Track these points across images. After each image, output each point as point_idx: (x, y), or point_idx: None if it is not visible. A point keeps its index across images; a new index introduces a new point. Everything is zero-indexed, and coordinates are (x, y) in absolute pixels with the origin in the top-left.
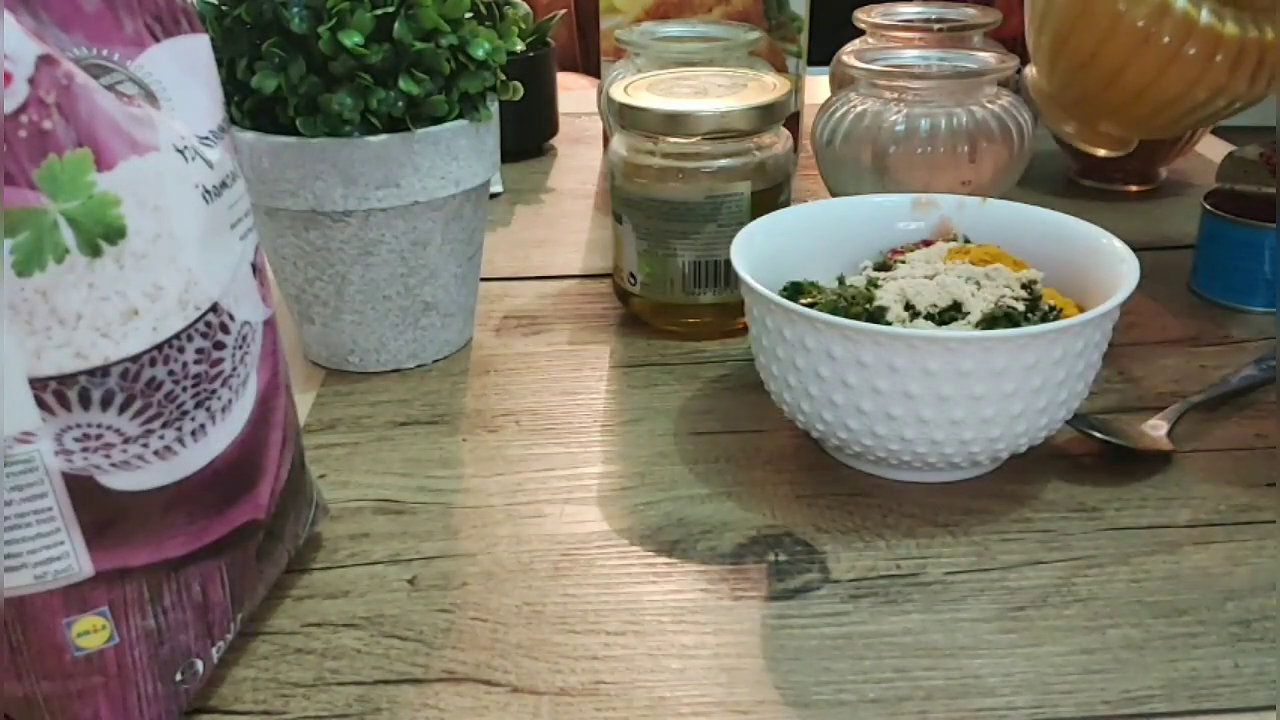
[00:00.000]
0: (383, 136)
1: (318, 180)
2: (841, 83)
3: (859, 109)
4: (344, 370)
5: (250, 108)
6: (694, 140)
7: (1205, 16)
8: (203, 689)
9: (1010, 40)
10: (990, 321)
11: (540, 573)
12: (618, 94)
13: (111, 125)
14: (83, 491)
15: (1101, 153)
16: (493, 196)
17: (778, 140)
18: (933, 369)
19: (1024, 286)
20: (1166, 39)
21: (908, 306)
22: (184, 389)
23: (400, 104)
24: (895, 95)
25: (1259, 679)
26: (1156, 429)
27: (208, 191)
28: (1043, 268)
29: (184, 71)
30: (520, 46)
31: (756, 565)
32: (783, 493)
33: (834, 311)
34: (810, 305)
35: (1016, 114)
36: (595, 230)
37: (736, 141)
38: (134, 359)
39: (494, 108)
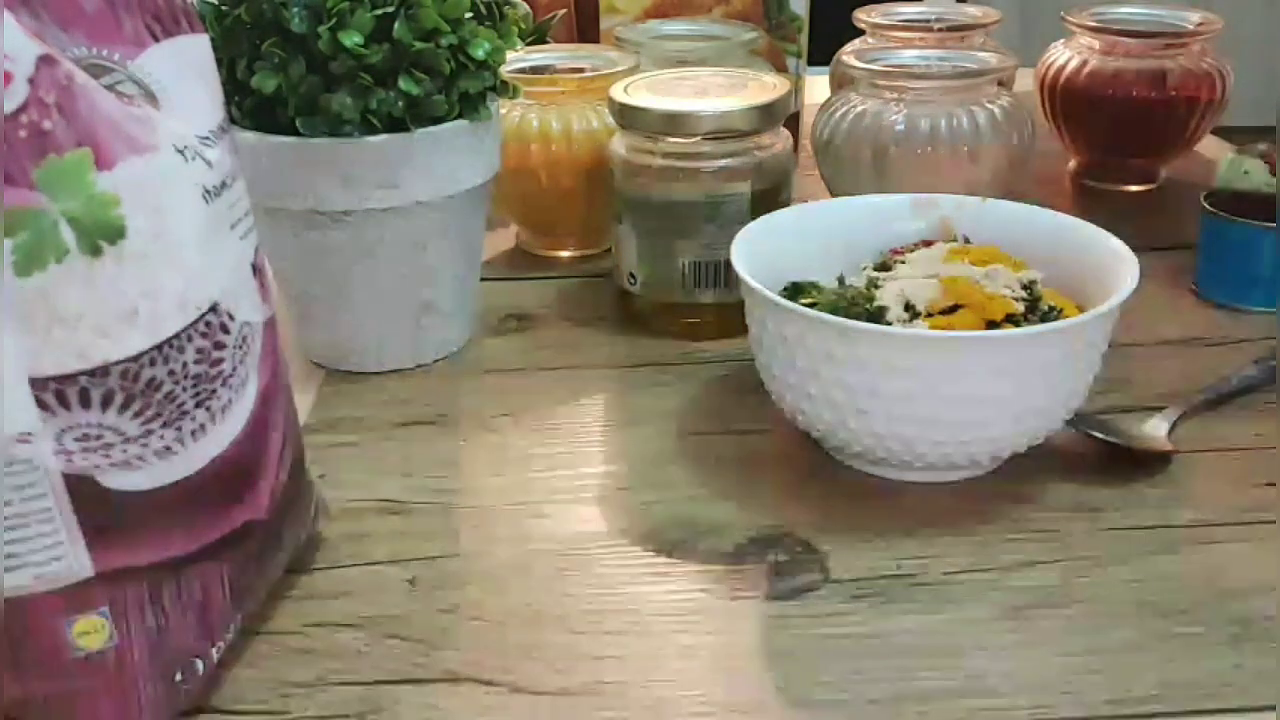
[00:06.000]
0: (383, 136)
1: (318, 180)
2: (841, 83)
3: (859, 109)
4: (344, 370)
5: (250, 108)
6: (694, 140)
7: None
8: (203, 689)
9: None
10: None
11: (540, 573)
12: (618, 94)
13: (111, 125)
14: (83, 491)
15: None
16: None
17: (778, 140)
18: (933, 369)
19: (1024, 286)
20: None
21: (908, 306)
22: (184, 389)
23: (400, 104)
24: (895, 95)
25: (1259, 679)
26: (1156, 429)
27: (208, 191)
28: (1043, 268)
29: (184, 71)
30: (520, 46)
31: (756, 565)
32: (783, 493)
33: (834, 311)
34: (810, 305)
35: (1016, 114)
36: None
37: (736, 141)
38: (134, 359)
39: (494, 108)
